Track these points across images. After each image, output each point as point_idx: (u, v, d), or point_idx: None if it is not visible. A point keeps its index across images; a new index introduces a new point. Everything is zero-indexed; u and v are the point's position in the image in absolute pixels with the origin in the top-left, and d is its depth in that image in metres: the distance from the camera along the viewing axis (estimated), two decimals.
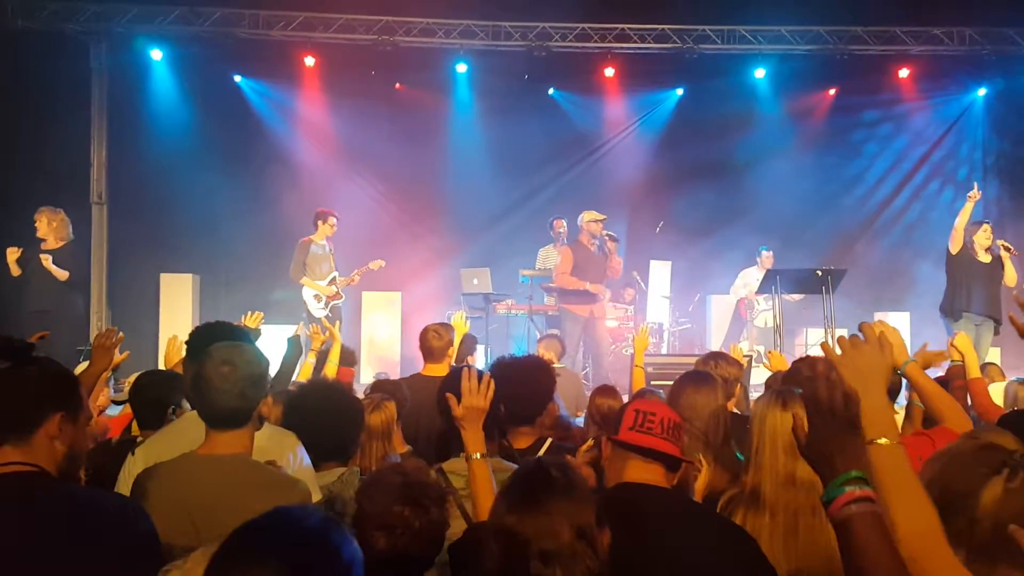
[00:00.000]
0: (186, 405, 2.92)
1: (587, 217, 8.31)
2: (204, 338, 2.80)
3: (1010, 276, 7.68)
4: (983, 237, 7.79)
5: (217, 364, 2.26)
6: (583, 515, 1.66)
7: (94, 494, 2.00)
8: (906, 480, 1.53)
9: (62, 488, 1.86)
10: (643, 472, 2.13)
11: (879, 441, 1.55)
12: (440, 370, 4.53)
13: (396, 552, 1.89)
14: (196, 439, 2.36)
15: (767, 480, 2.23)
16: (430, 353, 4.61)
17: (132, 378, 4.23)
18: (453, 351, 4.71)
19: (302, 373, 4.80)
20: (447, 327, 4.70)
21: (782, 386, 2.79)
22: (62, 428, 1.87)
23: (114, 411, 5.20)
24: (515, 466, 2.72)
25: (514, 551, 1.61)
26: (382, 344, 10.33)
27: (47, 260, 7.50)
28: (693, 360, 4.44)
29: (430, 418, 3.56)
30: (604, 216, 8.37)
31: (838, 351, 1.67)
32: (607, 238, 8.44)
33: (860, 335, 1.68)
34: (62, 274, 7.58)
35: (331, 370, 4.75)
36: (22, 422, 1.83)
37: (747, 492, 2.26)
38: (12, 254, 7.60)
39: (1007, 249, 7.68)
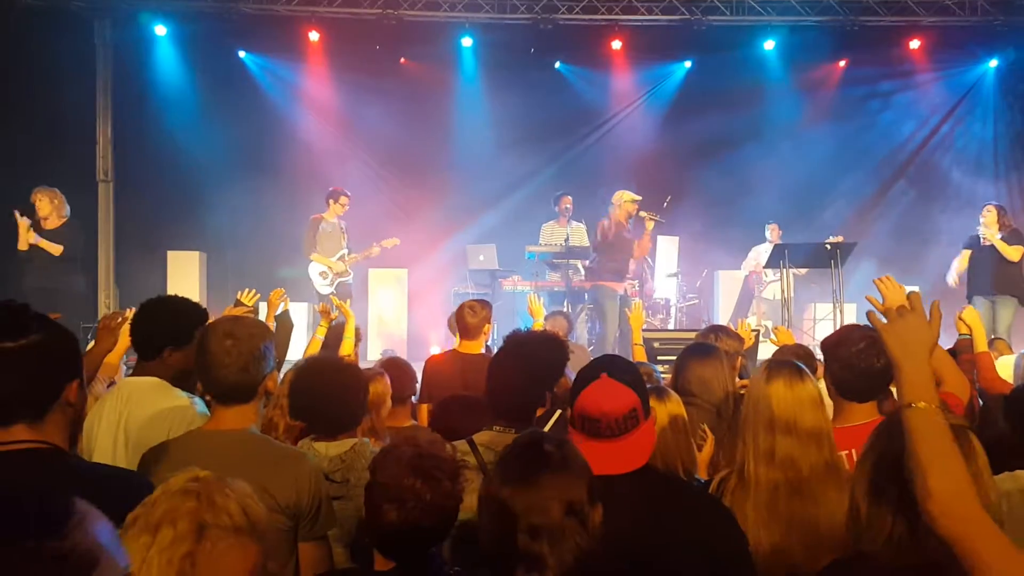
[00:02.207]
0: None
1: (625, 197, 8.40)
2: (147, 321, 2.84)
3: (1006, 253, 7.78)
4: (982, 221, 7.97)
5: (220, 338, 2.25)
6: (574, 491, 1.66)
7: (104, 470, 1.99)
8: (940, 442, 1.53)
9: (72, 464, 1.83)
10: (603, 467, 2.05)
11: (917, 405, 1.56)
12: (475, 347, 4.49)
13: (407, 524, 1.87)
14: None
15: (749, 456, 2.21)
16: (466, 330, 4.54)
17: None
18: (489, 328, 4.64)
19: (311, 348, 4.80)
20: (483, 303, 4.63)
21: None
22: (78, 393, 1.81)
23: None
24: None
25: (504, 525, 1.62)
26: (389, 321, 10.35)
27: (39, 240, 7.54)
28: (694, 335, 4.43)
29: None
30: (640, 197, 8.45)
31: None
32: (653, 220, 8.47)
33: (908, 305, 1.70)
34: (56, 248, 7.60)
35: (347, 347, 4.71)
36: (37, 401, 1.76)
37: (736, 467, 2.25)
38: (24, 225, 7.62)
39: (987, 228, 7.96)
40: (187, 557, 1.37)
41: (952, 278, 8.16)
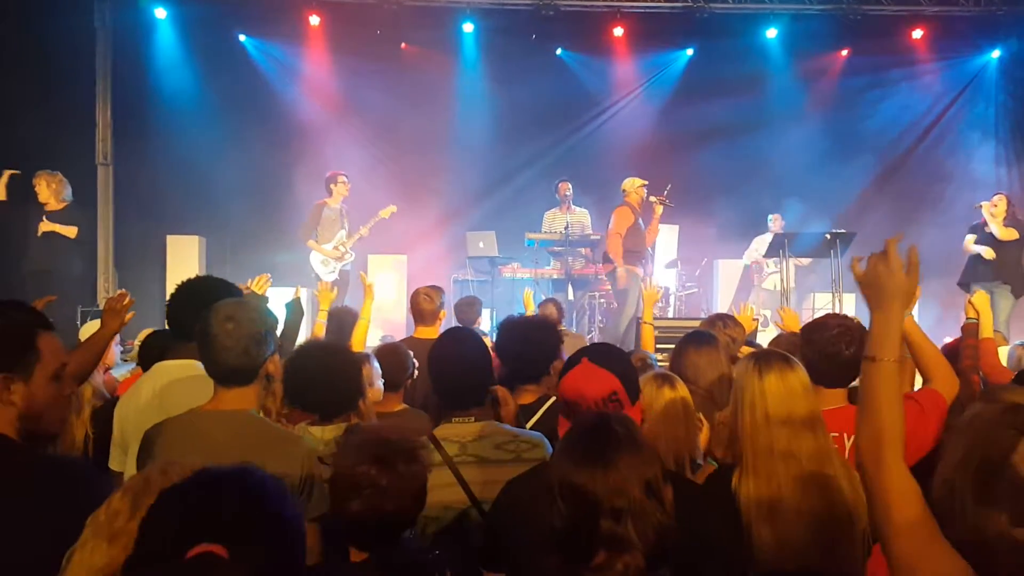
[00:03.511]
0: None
1: (636, 183, 8.55)
2: (187, 301, 2.83)
3: (1001, 233, 7.87)
4: (991, 209, 8.11)
5: (221, 321, 2.26)
6: (650, 470, 1.64)
7: (51, 460, 1.95)
8: (887, 396, 1.60)
9: (15, 450, 1.81)
10: None
11: (878, 358, 1.62)
12: (431, 332, 4.55)
13: (369, 512, 1.88)
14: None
15: (747, 452, 2.19)
16: (421, 316, 4.66)
17: (143, 334, 4.24)
18: (444, 314, 4.73)
19: (315, 332, 4.82)
20: (438, 290, 4.73)
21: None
22: (9, 389, 1.80)
23: (121, 370, 5.25)
24: (514, 429, 2.73)
25: (584, 509, 1.59)
26: (388, 307, 10.33)
27: (51, 225, 7.50)
28: (698, 324, 4.42)
29: (422, 381, 3.59)
30: (646, 181, 8.58)
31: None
32: (662, 204, 8.53)
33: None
34: (71, 231, 7.57)
35: (362, 329, 4.71)
36: None
37: (737, 463, 2.24)
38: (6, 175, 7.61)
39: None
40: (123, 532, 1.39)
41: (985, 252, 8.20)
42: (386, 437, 1.98)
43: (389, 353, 3.64)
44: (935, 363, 2.82)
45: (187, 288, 2.90)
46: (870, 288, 1.67)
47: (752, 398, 2.20)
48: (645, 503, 1.59)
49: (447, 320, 4.95)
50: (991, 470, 1.55)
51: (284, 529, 1.13)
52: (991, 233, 8.01)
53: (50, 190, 7.60)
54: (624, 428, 1.70)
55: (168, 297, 2.91)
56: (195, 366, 2.75)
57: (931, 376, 2.80)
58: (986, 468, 1.56)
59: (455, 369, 2.64)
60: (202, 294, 2.83)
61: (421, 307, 4.63)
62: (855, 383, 2.72)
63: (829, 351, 2.67)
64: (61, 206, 7.66)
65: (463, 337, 2.85)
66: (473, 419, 2.57)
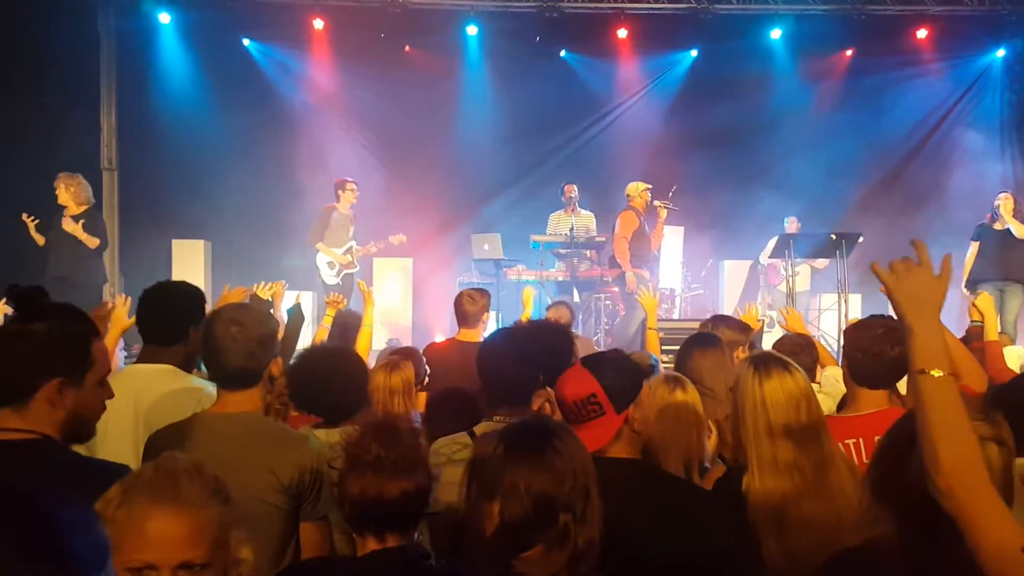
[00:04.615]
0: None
1: (640, 187, 8.55)
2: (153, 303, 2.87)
3: (1019, 231, 7.81)
4: (1000, 206, 8.01)
5: (226, 324, 2.28)
6: (591, 469, 1.70)
7: (92, 462, 1.99)
8: (953, 412, 1.45)
9: (59, 455, 1.85)
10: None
11: (931, 372, 1.47)
12: (474, 335, 4.51)
13: (373, 489, 1.84)
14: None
15: (753, 465, 2.15)
16: (464, 318, 4.58)
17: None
18: (487, 317, 4.66)
19: (317, 336, 4.81)
20: (483, 292, 4.66)
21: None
22: (62, 394, 1.84)
23: None
24: None
25: (529, 506, 1.62)
26: (393, 310, 10.35)
27: (75, 226, 7.40)
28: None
29: (463, 383, 3.57)
30: (650, 184, 8.59)
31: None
32: (666, 208, 8.56)
33: (913, 257, 1.59)
34: (92, 240, 7.46)
35: (366, 335, 4.70)
36: (18, 389, 1.81)
37: (746, 466, 2.20)
38: (30, 223, 7.53)
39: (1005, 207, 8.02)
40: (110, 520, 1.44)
41: (962, 287, 8.13)
42: (389, 419, 2.03)
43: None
44: (960, 357, 2.79)
45: (164, 292, 2.95)
46: (909, 298, 1.54)
47: (754, 407, 2.16)
48: (589, 500, 1.65)
49: (451, 323, 4.91)
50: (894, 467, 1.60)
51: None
52: (1006, 230, 7.89)
53: (69, 193, 7.50)
54: (565, 430, 1.78)
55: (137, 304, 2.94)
56: (171, 371, 2.77)
57: (960, 373, 2.76)
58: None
59: (500, 365, 2.65)
60: (181, 295, 2.90)
61: (464, 309, 4.56)
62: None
63: (874, 351, 2.62)
64: (81, 209, 7.52)
65: (514, 334, 2.85)
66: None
